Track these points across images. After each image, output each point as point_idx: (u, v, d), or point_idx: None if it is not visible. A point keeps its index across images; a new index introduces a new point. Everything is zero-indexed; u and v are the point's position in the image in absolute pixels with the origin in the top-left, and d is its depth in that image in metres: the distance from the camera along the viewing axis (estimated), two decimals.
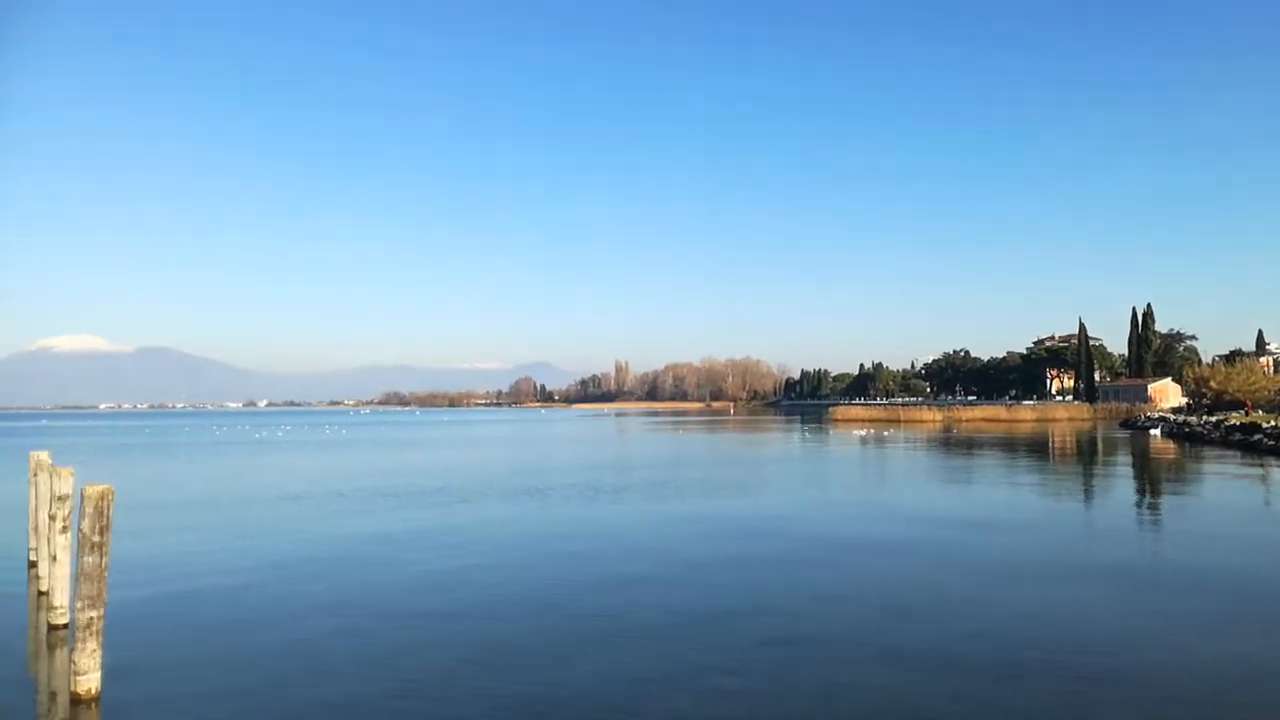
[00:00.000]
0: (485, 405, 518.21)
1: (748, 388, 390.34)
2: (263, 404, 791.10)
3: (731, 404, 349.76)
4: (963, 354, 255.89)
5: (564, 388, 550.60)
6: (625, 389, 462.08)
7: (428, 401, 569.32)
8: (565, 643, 13.34)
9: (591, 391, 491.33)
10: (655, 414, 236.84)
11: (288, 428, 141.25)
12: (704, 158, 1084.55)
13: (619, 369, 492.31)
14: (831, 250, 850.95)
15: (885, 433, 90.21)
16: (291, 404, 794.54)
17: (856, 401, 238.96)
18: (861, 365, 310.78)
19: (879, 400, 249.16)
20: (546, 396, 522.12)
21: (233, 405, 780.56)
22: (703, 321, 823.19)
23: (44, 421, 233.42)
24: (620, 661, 12.34)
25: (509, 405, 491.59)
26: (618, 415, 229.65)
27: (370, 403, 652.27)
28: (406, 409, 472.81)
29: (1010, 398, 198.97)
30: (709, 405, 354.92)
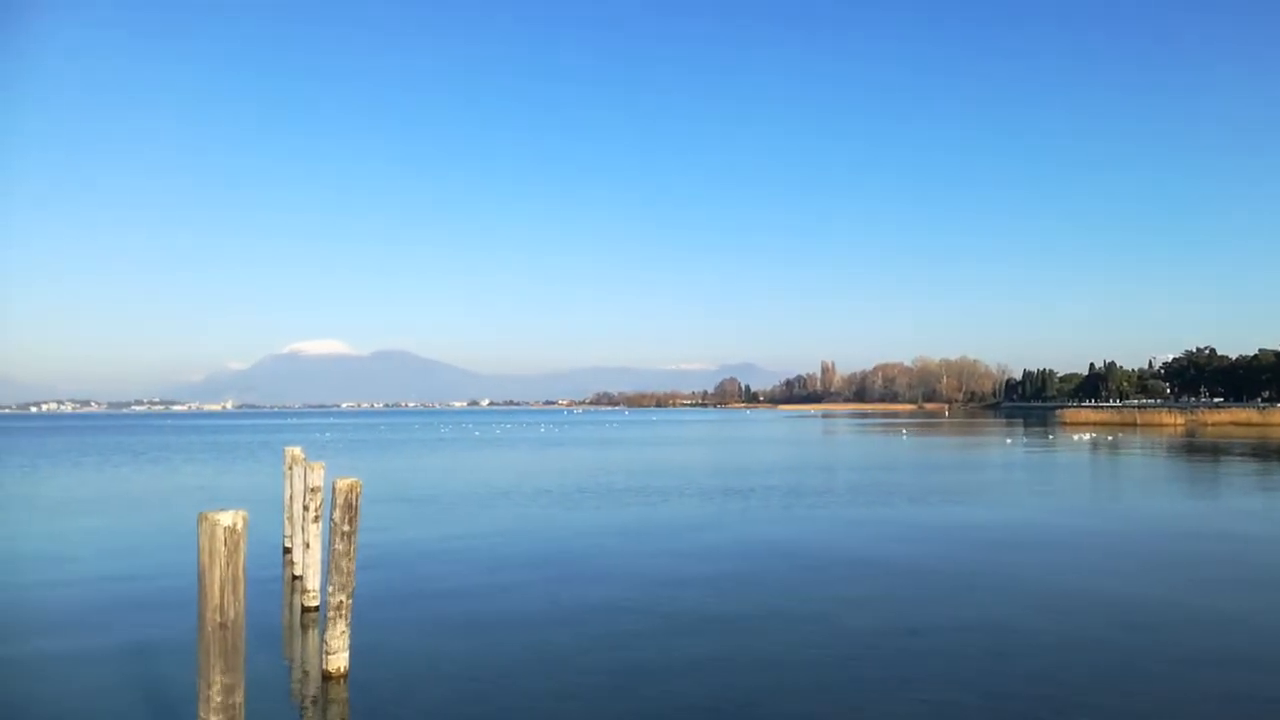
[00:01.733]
0: (690, 405, 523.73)
1: (964, 389, 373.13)
2: (485, 403, 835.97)
3: (946, 406, 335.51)
4: (1207, 352, 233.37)
5: (769, 388, 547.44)
6: (832, 390, 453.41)
7: (635, 402, 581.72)
8: (784, 652, 12.87)
9: (797, 392, 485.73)
10: (864, 416, 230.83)
11: (506, 426, 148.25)
12: (912, 151, 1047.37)
13: (825, 369, 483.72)
14: (1053, 240, 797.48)
15: (1108, 437, 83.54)
16: (511, 403, 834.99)
17: (1086, 404, 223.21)
18: (1091, 365, 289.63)
19: (1112, 402, 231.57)
20: (751, 397, 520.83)
21: (458, 404, 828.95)
22: (914, 319, 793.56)
23: (293, 419, 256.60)
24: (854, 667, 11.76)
25: (713, 406, 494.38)
26: (824, 416, 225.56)
27: (582, 403, 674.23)
28: (615, 409, 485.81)
29: (1263, 400, 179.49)
30: (921, 407, 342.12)
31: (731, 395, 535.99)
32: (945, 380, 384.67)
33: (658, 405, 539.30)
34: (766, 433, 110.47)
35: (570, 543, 23.09)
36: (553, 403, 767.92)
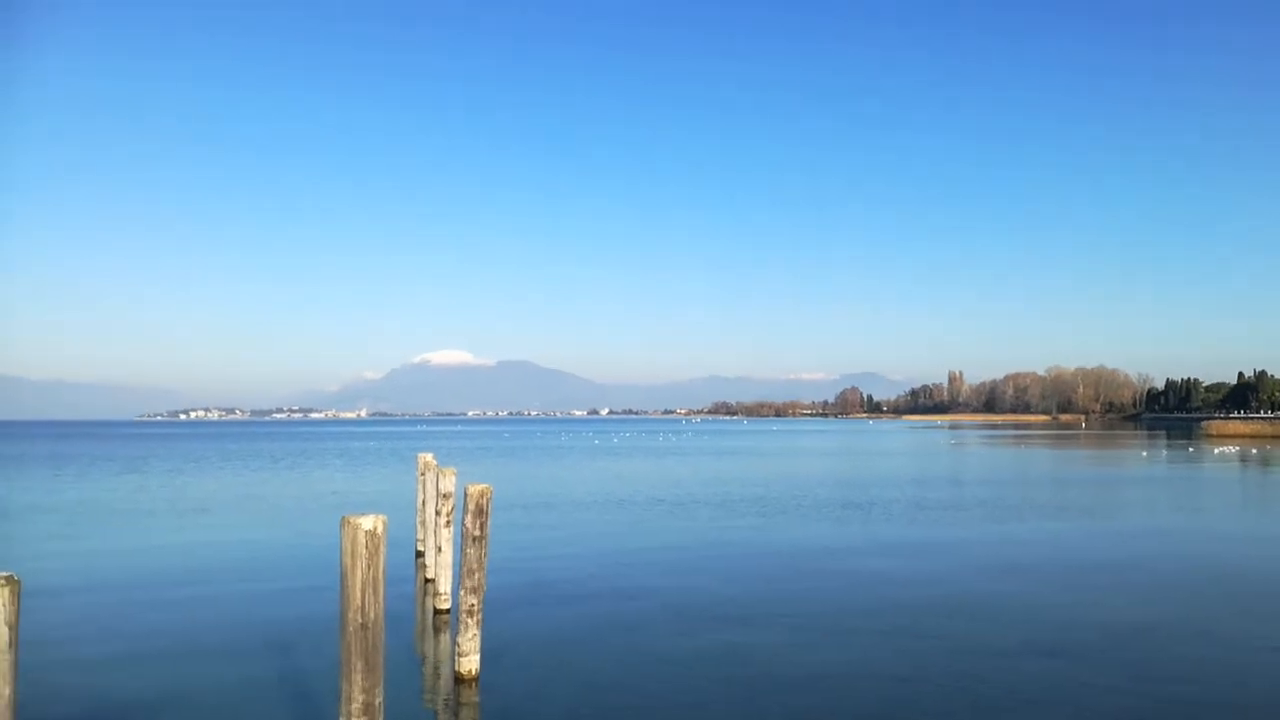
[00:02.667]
0: (810, 415, 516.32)
1: (1101, 399, 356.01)
2: (604, 412, 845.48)
3: (1082, 417, 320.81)
4: None
5: (893, 398, 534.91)
6: (960, 400, 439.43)
7: (754, 411, 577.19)
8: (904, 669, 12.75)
9: (922, 402, 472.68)
10: (993, 427, 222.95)
11: (624, 434, 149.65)
12: (1048, 149, 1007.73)
13: (952, 379, 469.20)
14: (1198, 242, 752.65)
15: (1253, 450, 78.41)
16: (629, 412, 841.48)
17: (1235, 415, 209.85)
18: (1240, 374, 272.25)
19: (1263, 414, 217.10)
20: (874, 407, 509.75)
21: (578, 413, 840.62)
22: (1047, 327, 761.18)
23: (423, 426, 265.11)
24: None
25: (834, 416, 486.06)
26: (951, 428, 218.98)
27: (700, 412, 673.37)
28: (733, 418, 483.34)
29: None
30: (1055, 418, 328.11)
31: (853, 405, 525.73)
32: (1081, 390, 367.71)
33: (776, 415, 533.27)
34: (889, 444, 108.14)
35: (688, 552, 23.21)
36: (671, 412, 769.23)
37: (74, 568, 21.17)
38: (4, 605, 5.03)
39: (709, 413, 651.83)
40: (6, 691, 5.07)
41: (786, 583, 19.06)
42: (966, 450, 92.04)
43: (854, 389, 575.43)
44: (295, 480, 50.89)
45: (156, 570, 21.07)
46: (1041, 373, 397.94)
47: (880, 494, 39.23)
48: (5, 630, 5.04)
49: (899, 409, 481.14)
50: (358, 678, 7.12)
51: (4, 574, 5.13)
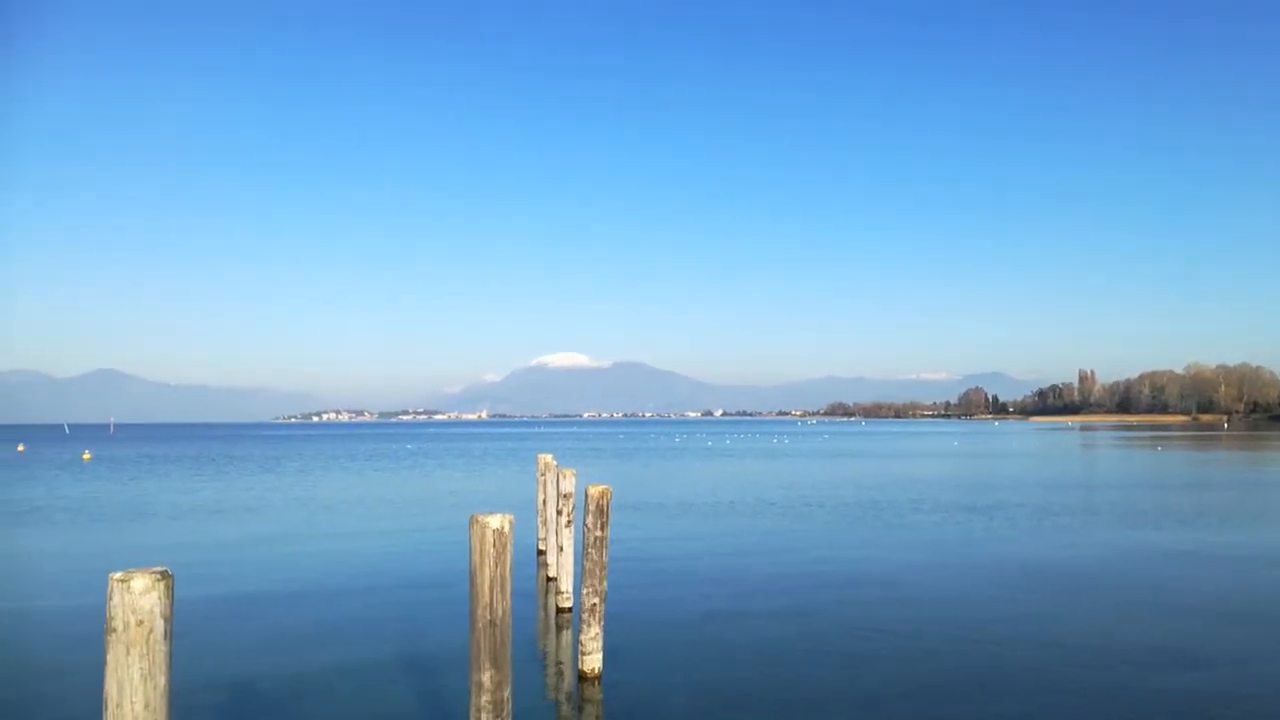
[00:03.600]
0: (931, 417, 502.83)
1: (1245, 399, 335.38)
2: (718, 413, 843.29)
3: (1225, 417, 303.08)
4: None
5: (1019, 399, 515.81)
6: (1091, 400, 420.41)
7: (872, 412, 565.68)
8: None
9: (1051, 403, 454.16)
10: (1128, 428, 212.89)
11: (737, 436, 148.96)
12: (1213, 136, 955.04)
13: (1083, 378, 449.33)
14: None
15: None
16: (744, 414, 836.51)
17: None
18: None
19: None
20: (999, 408, 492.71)
21: (692, 415, 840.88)
22: (1185, 323, 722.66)
23: (541, 428, 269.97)
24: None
25: (957, 417, 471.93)
26: (1082, 429, 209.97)
27: (816, 413, 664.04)
28: (851, 420, 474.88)
29: None
30: (1195, 418, 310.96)
31: (977, 406, 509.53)
32: (1223, 389, 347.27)
33: (896, 416, 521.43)
34: (1014, 445, 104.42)
35: (802, 555, 22.94)
36: (786, 413, 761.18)
37: (214, 562, 22.33)
38: (160, 598, 5.34)
39: (825, 414, 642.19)
40: (163, 680, 5.38)
41: (904, 588, 18.64)
42: (1098, 452, 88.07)
43: (978, 389, 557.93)
44: (416, 480, 52.51)
45: (288, 566, 22.06)
46: (1180, 371, 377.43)
47: (1003, 498, 37.91)
48: (161, 622, 5.35)
49: (1026, 410, 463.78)
50: (487, 673, 7.29)
51: (159, 569, 5.45)
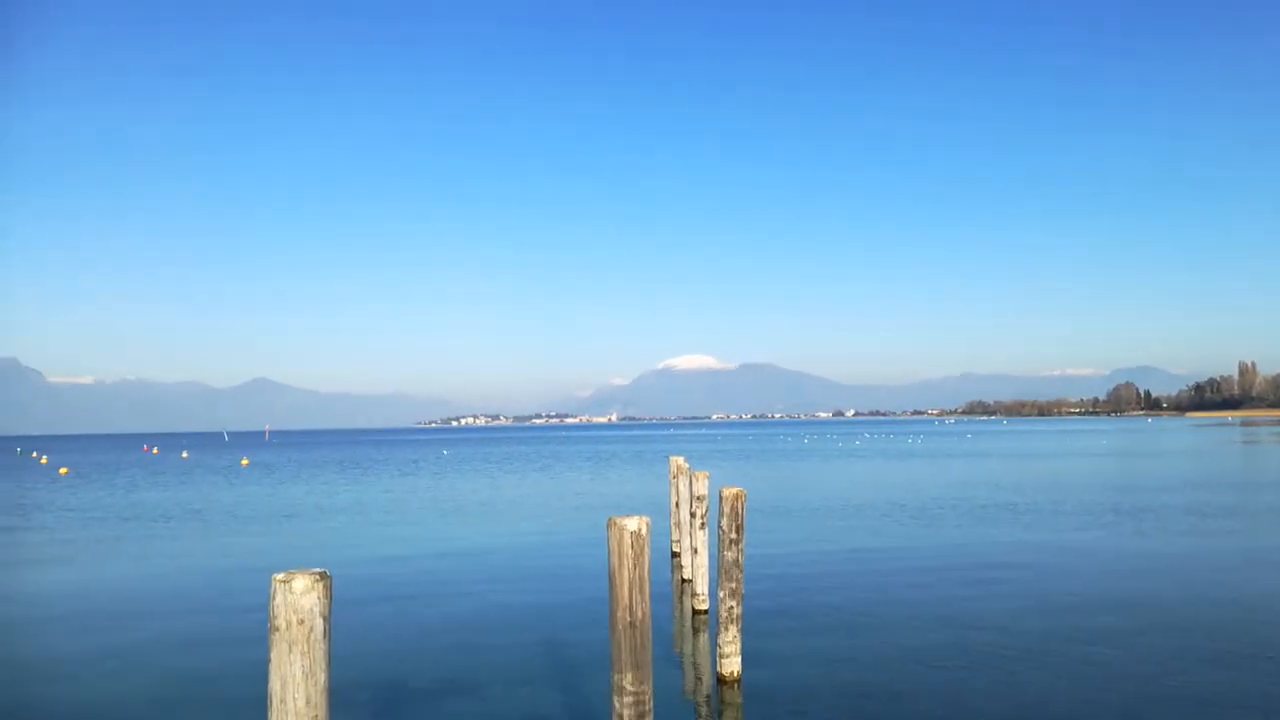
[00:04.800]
0: (1078, 414, 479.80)
1: None
2: (850, 413, 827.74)
3: None
4: None
5: (1173, 394, 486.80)
6: (1253, 394, 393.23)
7: (1014, 410, 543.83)
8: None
9: (1209, 398, 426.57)
10: None
11: (869, 436, 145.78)
12: None
13: (1244, 370, 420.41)
14: None
15: None
16: (877, 413, 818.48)
17: None
18: None
19: None
20: (1151, 404, 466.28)
21: (823, 415, 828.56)
22: None
23: (671, 430, 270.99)
24: None
25: (1106, 414, 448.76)
26: (1243, 424, 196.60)
27: (953, 412, 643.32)
28: (991, 418, 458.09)
29: None
30: None
31: (1128, 402, 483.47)
32: None
33: (1040, 415, 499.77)
34: (1168, 443, 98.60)
35: (936, 559, 22.22)
36: (921, 413, 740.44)
37: (355, 561, 23.23)
38: (319, 598, 5.57)
39: (963, 413, 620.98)
40: (323, 677, 5.61)
41: (1052, 596, 17.76)
42: (1261, 449, 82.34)
43: (1128, 384, 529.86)
44: (546, 482, 53.57)
45: (427, 566, 22.81)
46: None
47: (1154, 499, 35.77)
48: (320, 621, 5.58)
49: (1181, 405, 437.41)
50: (627, 674, 7.32)
51: (317, 570, 5.68)
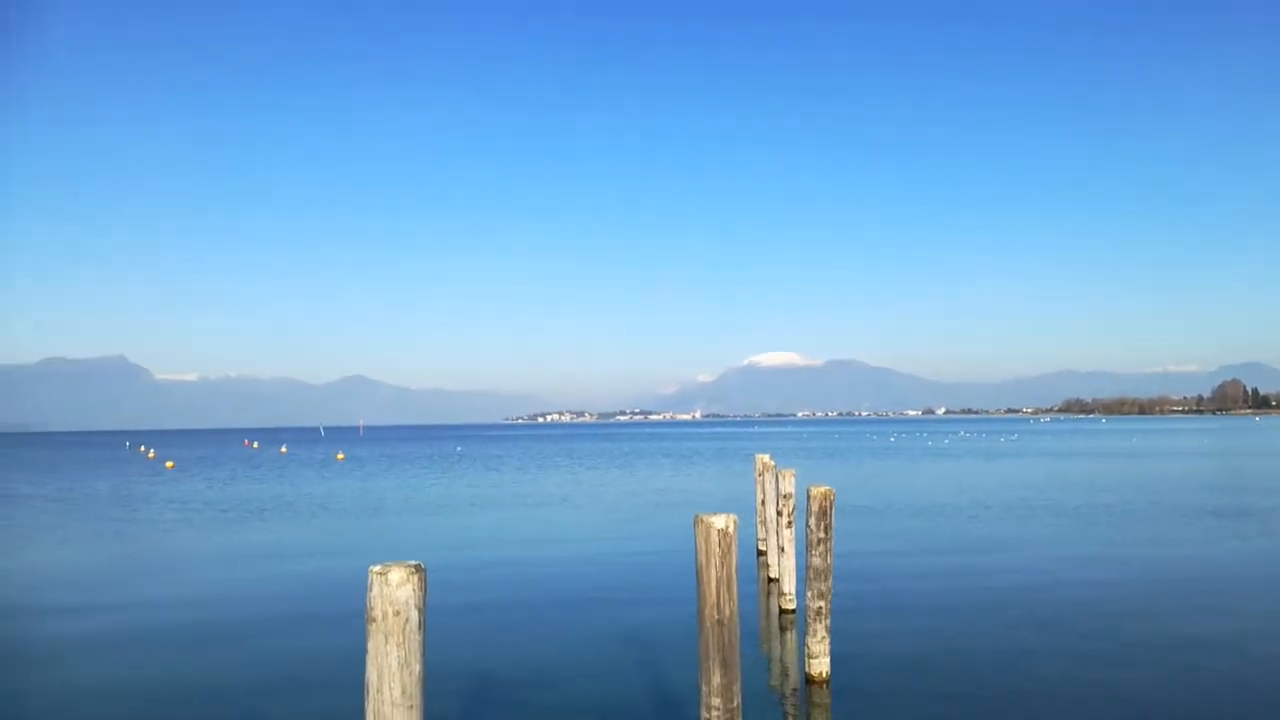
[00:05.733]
0: (1182, 413, 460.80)
1: None
2: (940, 411, 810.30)
3: None
4: None
5: None
6: None
7: (1113, 409, 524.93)
8: None
9: None
10: None
11: (959, 435, 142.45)
12: None
13: None
14: None
15: None
16: (968, 411, 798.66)
17: None
18: None
19: None
20: (1260, 402, 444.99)
21: (912, 413, 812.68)
22: None
23: (756, 428, 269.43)
24: None
25: (1211, 413, 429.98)
26: None
27: (1049, 410, 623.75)
28: (1089, 417, 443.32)
29: None
30: None
31: (1235, 400, 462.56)
32: None
33: (1140, 413, 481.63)
34: (1278, 443, 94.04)
35: (1025, 560, 21.60)
36: (1015, 411, 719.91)
37: (440, 554, 23.69)
38: (414, 590, 5.69)
39: (1060, 411, 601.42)
40: (418, 668, 5.73)
41: (1140, 599, 17.14)
42: None
43: (1234, 382, 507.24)
44: (626, 478, 53.79)
45: (510, 560, 23.19)
46: None
47: (1259, 501, 34.13)
48: (415, 613, 5.69)
49: None
50: (716, 673, 7.30)
51: (413, 563, 5.80)
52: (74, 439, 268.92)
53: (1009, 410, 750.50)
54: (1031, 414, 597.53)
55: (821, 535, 11.75)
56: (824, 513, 11.79)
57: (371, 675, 5.65)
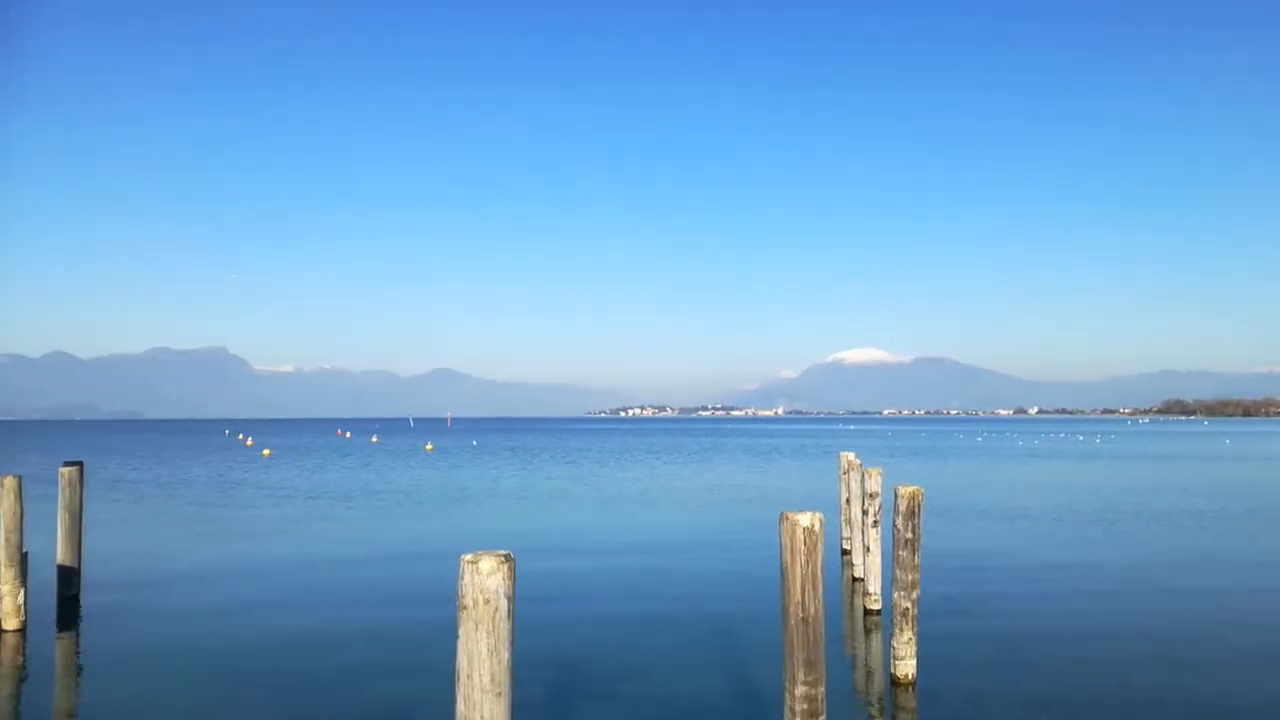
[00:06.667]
0: None
1: None
2: (1033, 411, 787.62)
3: None
4: None
5: None
6: None
7: (1216, 410, 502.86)
8: None
9: None
10: None
11: (1051, 435, 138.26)
12: None
13: None
14: None
15: None
16: (1062, 411, 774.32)
17: None
18: None
19: None
20: None
21: (1003, 412, 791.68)
22: None
23: (840, 425, 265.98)
24: None
25: None
26: None
27: (1148, 411, 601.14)
28: (1190, 418, 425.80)
29: None
30: None
31: None
32: None
33: (1245, 415, 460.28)
34: None
35: (1125, 567, 20.80)
36: (1112, 411, 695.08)
37: (518, 541, 24.01)
38: (504, 579, 5.82)
39: (1158, 412, 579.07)
40: (506, 655, 5.87)
41: (1238, 610, 16.48)
42: None
43: None
44: (703, 474, 53.68)
45: (587, 551, 23.55)
46: None
47: None
48: (505, 602, 5.83)
49: None
50: (800, 671, 7.28)
51: (503, 552, 5.94)
52: (177, 426, 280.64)
53: (1105, 411, 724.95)
54: (1129, 415, 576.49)
55: (910, 535, 11.58)
56: (913, 513, 11.63)
57: (462, 661, 5.80)
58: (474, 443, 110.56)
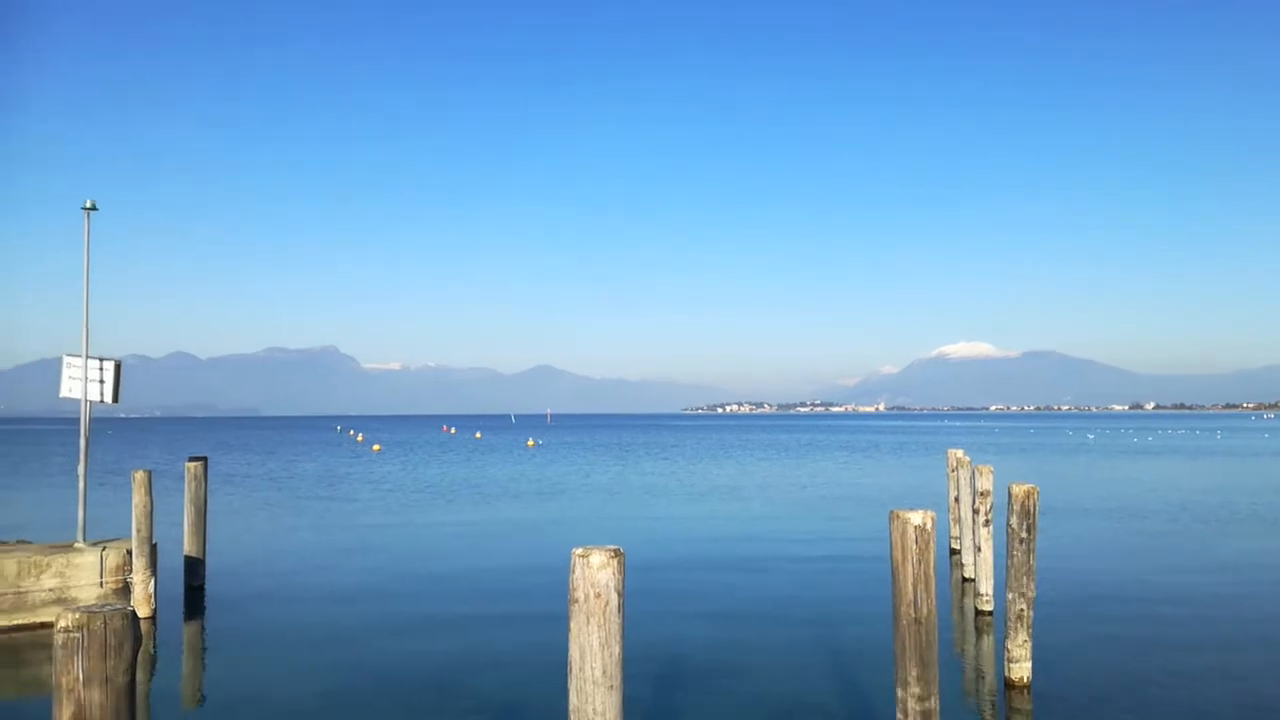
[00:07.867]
0: None
1: None
2: (1149, 406, 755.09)
3: None
4: None
5: None
6: None
7: None
8: None
9: None
10: None
11: (1168, 431, 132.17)
12: None
13: None
14: None
15: None
16: (1181, 407, 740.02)
17: None
18: None
19: None
20: None
21: (1117, 408, 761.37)
22: None
23: (945, 421, 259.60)
24: None
25: None
26: None
27: (1275, 406, 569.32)
28: None
29: None
30: None
31: None
32: None
33: None
34: None
35: (1234, 569, 19.85)
36: (1235, 406, 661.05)
37: (623, 538, 24.12)
38: (614, 573, 5.89)
39: None
40: (617, 649, 5.93)
41: None
42: None
43: None
44: (795, 470, 52.90)
45: (689, 545, 23.59)
46: None
47: None
48: (615, 595, 5.89)
49: None
50: (912, 672, 7.16)
51: (612, 547, 6.00)
52: (291, 422, 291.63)
53: (1228, 406, 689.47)
54: (1253, 410, 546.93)
55: (1024, 535, 11.23)
56: (1027, 512, 11.27)
57: (574, 654, 5.88)
58: (575, 439, 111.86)
